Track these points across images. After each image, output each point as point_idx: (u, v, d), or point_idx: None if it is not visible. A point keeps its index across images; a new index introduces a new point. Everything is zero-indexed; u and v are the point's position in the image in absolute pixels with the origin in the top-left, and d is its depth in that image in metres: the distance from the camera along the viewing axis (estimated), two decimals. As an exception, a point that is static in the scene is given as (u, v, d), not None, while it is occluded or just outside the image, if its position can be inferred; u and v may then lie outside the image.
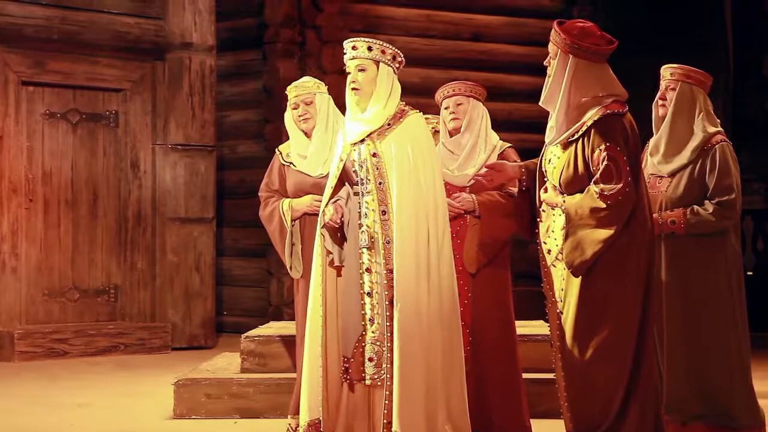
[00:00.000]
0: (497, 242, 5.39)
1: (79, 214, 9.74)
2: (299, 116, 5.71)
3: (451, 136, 5.52)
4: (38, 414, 6.81)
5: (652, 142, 5.37)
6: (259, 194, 5.88)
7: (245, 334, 6.96)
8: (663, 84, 5.34)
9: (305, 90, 5.73)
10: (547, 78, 4.62)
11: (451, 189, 5.41)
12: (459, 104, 5.49)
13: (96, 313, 9.81)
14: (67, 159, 9.71)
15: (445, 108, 5.54)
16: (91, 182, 9.81)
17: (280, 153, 5.84)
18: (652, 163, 5.31)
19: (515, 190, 5.30)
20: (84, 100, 9.79)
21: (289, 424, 5.61)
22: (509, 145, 5.55)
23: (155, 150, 10.06)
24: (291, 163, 5.76)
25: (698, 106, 5.27)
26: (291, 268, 5.70)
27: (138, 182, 10.00)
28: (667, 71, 5.34)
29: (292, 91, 5.76)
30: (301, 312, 5.57)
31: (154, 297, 10.01)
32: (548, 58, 4.62)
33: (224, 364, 7.25)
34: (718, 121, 5.34)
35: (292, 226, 5.68)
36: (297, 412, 5.39)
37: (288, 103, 5.78)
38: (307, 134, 5.72)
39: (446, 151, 5.51)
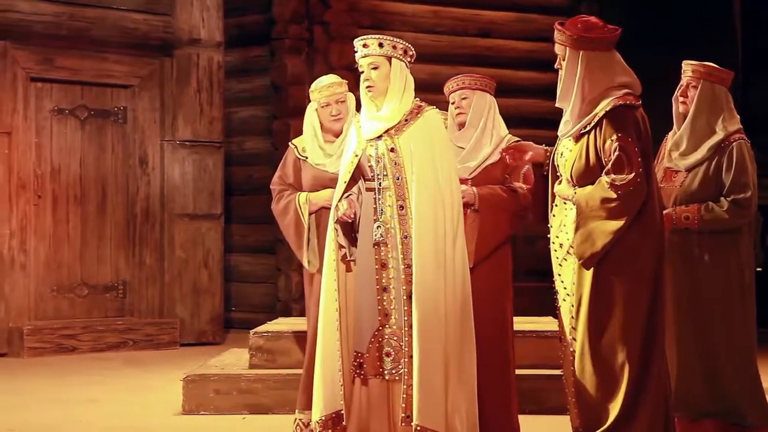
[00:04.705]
0: (496, 238, 5.25)
1: (87, 211, 9.75)
2: (332, 116, 5.57)
3: (459, 130, 5.46)
4: (47, 410, 6.82)
5: (671, 137, 5.34)
6: (272, 187, 5.75)
7: (254, 330, 6.97)
8: (684, 80, 5.28)
9: (340, 89, 5.60)
10: (559, 79, 4.61)
11: None
12: (464, 98, 5.39)
13: (105, 309, 9.82)
14: (75, 155, 9.72)
15: (452, 103, 5.44)
16: (100, 178, 9.82)
17: (296, 147, 5.72)
18: (669, 156, 5.29)
19: (519, 185, 5.25)
20: (92, 97, 9.80)
21: (300, 419, 5.60)
22: (517, 139, 5.34)
23: (163, 146, 10.06)
24: (306, 157, 5.68)
25: (720, 105, 5.24)
26: (308, 262, 5.59)
27: (146, 178, 10.00)
28: (688, 67, 5.27)
29: (324, 90, 5.59)
30: (314, 306, 5.50)
31: (162, 293, 10.02)
32: (558, 60, 4.61)
33: (233, 360, 7.25)
34: (739, 117, 5.31)
35: (309, 219, 5.63)
36: (305, 407, 5.39)
37: (314, 101, 5.62)
38: (337, 134, 5.60)
39: (454, 147, 5.40)
